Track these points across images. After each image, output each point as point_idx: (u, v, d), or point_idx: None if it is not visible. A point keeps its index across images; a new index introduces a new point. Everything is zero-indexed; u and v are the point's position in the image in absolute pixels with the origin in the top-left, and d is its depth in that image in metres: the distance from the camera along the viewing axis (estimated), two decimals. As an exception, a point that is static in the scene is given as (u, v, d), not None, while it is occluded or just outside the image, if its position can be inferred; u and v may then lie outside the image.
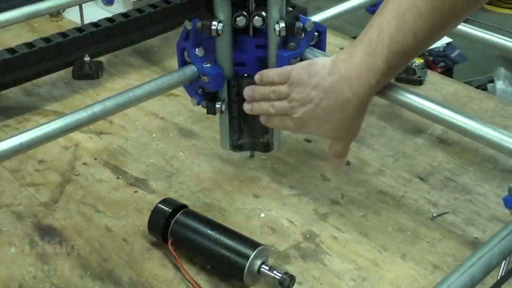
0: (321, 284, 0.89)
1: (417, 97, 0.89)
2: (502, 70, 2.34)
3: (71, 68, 1.37)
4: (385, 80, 0.85)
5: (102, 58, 1.41)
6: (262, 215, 1.01)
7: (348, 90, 0.85)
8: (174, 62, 1.06)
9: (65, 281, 0.90)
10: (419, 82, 1.33)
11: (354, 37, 1.78)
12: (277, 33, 0.96)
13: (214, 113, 1.04)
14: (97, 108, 0.92)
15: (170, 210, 0.93)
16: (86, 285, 0.89)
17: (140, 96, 0.97)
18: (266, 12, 0.96)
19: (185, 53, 1.00)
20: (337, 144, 0.94)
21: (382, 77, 0.83)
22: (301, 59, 0.99)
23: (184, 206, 0.95)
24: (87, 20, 1.39)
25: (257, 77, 0.98)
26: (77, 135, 1.17)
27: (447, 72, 2.45)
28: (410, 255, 0.93)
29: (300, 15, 0.97)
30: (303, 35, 0.98)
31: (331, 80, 0.86)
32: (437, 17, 0.79)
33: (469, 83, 1.96)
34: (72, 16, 1.60)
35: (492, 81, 2.36)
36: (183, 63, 1.02)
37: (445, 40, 2.48)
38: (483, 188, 1.07)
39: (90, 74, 1.36)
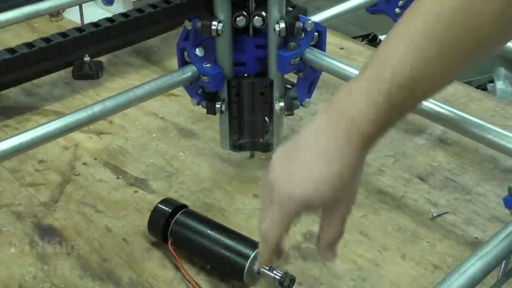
0: (321, 284, 0.89)
1: (417, 97, 0.88)
2: (502, 70, 2.33)
3: (71, 68, 1.37)
4: (389, 120, 0.65)
5: (102, 58, 1.41)
6: (262, 215, 1.01)
7: (352, 126, 0.65)
8: (174, 62, 1.06)
9: (65, 281, 0.90)
10: (419, 82, 1.33)
11: (354, 37, 1.79)
12: (277, 33, 0.96)
13: (214, 113, 1.04)
14: (97, 108, 0.92)
15: (170, 210, 0.93)
16: (86, 285, 0.89)
17: (140, 96, 0.97)
18: (266, 12, 0.96)
19: (185, 53, 1.01)
20: (333, 218, 0.66)
21: (385, 115, 0.65)
22: (301, 59, 0.99)
23: (184, 206, 0.95)
24: (87, 20, 1.39)
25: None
26: (77, 135, 1.17)
27: (447, 72, 2.44)
28: (410, 255, 0.93)
29: (300, 15, 0.97)
30: (303, 35, 0.98)
31: (327, 120, 0.67)
32: (453, 49, 0.63)
33: (469, 83, 1.96)
34: (72, 16, 1.60)
35: (492, 81, 2.36)
36: (183, 63, 1.02)
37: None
38: (483, 188, 1.07)
39: (90, 74, 1.36)
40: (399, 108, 0.66)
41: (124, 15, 1.41)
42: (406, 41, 0.64)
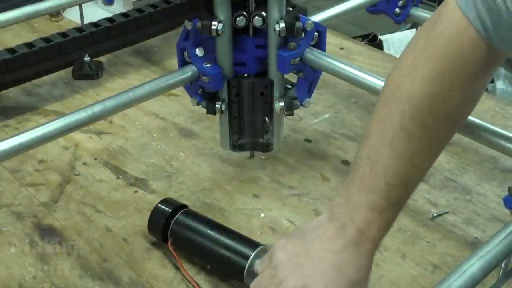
0: (321, 284, 0.89)
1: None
2: (502, 70, 2.33)
3: (71, 68, 1.37)
4: (392, 216, 0.69)
5: (102, 58, 1.41)
6: (262, 215, 1.01)
7: (359, 235, 0.68)
8: (174, 62, 1.06)
9: (65, 281, 0.90)
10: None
11: (354, 37, 1.79)
12: (277, 33, 0.96)
13: (214, 113, 1.04)
14: (97, 108, 0.92)
15: (170, 210, 0.93)
16: (86, 285, 0.89)
17: (140, 96, 0.97)
18: (266, 12, 0.96)
19: (185, 53, 1.01)
20: None
21: (387, 214, 0.68)
22: (301, 59, 0.99)
23: (184, 206, 0.95)
24: (87, 20, 1.39)
25: None
26: (77, 135, 1.17)
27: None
28: (410, 255, 0.93)
29: (300, 15, 0.97)
30: (303, 35, 0.98)
31: (335, 230, 0.69)
32: (431, 134, 0.67)
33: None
34: (72, 16, 1.60)
35: (492, 81, 2.36)
36: (183, 63, 1.02)
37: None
38: (483, 188, 1.07)
39: (90, 74, 1.36)
40: (399, 204, 0.70)
41: (124, 15, 1.41)
42: (387, 143, 0.67)
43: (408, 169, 0.68)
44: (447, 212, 1.01)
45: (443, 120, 0.67)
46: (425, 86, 0.65)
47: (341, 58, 1.10)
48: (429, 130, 0.67)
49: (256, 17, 0.96)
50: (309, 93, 1.05)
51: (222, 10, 0.95)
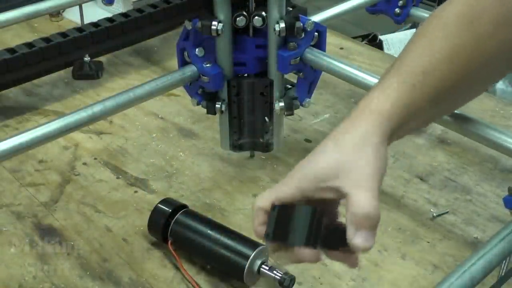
0: (321, 284, 0.89)
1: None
2: (502, 70, 2.33)
3: (71, 68, 1.37)
4: (399, 99, 0.66)
5: (102, 58, 1.41)
6: (262, 215, 1.01)
7: (361, 109, 0.66)
8: (174, 62, 1.06)
9: (65, 281, 0.90)
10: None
11: (354, 37, 1.79)
12: (277, 33, 0.96)
13: (214, 113, 1.04)
14: (97, 108, 0.92)
15: (170, 210, 0.93)
16: (86, 285, 0.89)
17: (140, 96, 0.97)
18: (266, 12, 0.96)
19: (185, 53, 1.01)
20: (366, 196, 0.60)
21: (396, 91, 0.66)
22: (301, 59, 0.99)
23: (184, 206, 0.95)
24: (87, 20, 1.39)
25: None
26: (77, 135, 1.17)
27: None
28: (410, 255, 0.93)
29: (300, 15, 0.97)
30: (303, 35, 0.98)
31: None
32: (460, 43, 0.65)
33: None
34: (72, 16, 1.60)
35: (492, 81, 2.36)
36: (183, 63, 1.02)
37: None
38: (483, 188, 1.07)
39: (90, 74, 1.36)
40: (412, 92, 0.65)
41: (124, 15, 1.41)
42: (411, 46, 0.67)
43: (430, 58, 0.65)
44: (447, 212, 1.01)
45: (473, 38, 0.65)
46: (455, 12, 0.66)
47: (341, 58, 1.10)
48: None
49: (256, 17, 0.96)
50: (309, 93, 1.05)
51: (222, 10, 0.95)
